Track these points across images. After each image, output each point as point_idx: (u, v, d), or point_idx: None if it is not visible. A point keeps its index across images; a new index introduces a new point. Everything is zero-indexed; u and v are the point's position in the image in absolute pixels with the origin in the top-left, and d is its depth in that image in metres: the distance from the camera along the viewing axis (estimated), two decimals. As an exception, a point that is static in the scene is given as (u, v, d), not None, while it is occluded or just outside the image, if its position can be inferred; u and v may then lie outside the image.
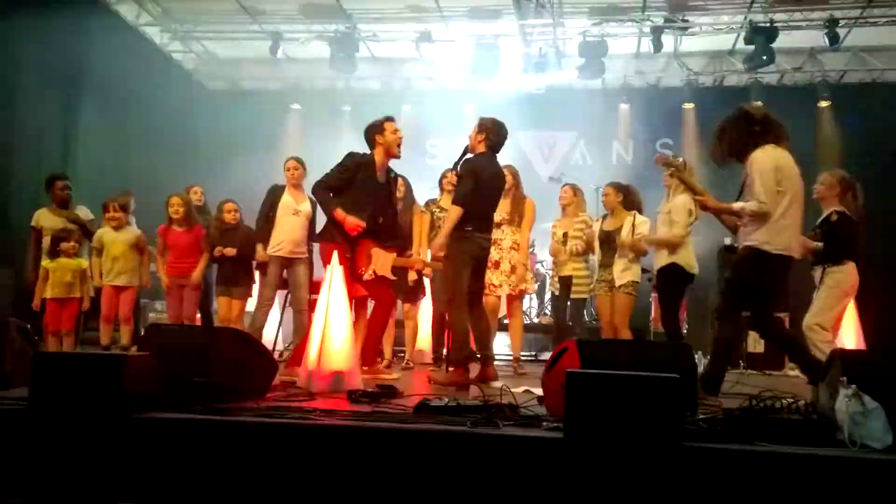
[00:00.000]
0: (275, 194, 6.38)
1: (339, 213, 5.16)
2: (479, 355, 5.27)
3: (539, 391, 4.19)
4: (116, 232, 6.46)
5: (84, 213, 6.91)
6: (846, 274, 5.33)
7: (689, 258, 5.72)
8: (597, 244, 6.53)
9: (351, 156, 5.37)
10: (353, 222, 5.14)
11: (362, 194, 5.28)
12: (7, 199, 7.75)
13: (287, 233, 6.24)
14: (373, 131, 5.43)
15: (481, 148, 5.29)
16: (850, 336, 6.14)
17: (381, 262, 5.27)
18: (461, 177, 5.30)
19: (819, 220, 5.45)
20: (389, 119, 5.45)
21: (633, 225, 6.22)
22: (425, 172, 6.97)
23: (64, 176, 6.92)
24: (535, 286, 8.31)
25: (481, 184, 5.17)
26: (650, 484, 2.66)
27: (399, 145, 5.40)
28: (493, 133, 5.29)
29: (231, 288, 6.60)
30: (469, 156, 5.32)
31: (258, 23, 9.23)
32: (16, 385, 3.67)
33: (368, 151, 5.45)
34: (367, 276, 5.21)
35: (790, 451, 2.72)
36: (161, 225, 6.68)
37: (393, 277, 5.41)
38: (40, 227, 6.59)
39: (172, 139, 9.20)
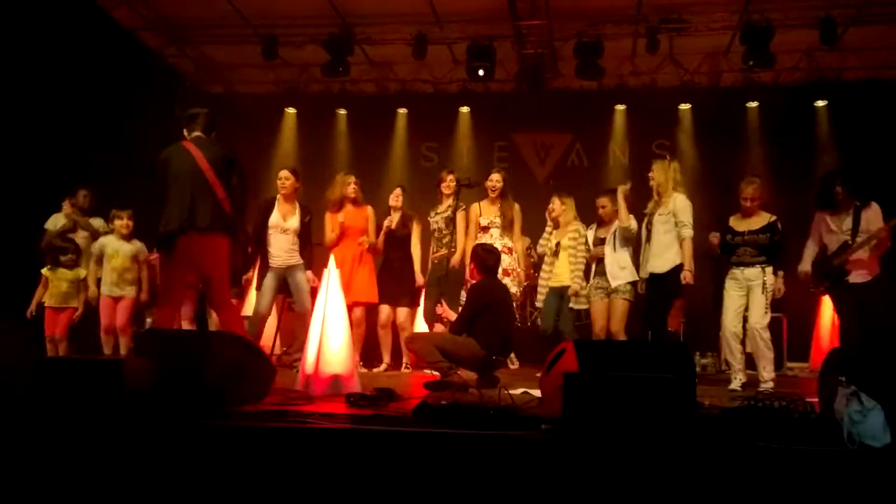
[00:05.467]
0: (264, 213, 6.40)
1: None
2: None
3: (537, 392, 4.19)
4: (121, 242, 6.49)
5: (100, 224, 6.98)
6: (779, 277, 5.76)
7: (690, 258, 5.78)
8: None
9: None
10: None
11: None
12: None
13: (279, 248, 6.36)
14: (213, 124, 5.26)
15: (479, 276, 5.69)
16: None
17: None
18: (468, 300, 5.66)
19: (764, 225, 5.73)
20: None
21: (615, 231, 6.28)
22: (420, 175, 6.97)
23: (88, 185, 7.07)
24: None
25: (493, 308, 5.51)
26: (649, 484, 2.65)
27: None
28: (487, 261, 5.72)
29: None
30: None
31: (253, 26, 9.22)
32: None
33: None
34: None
35: (789, 450, 2.71)
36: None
37: None
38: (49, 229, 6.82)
39: (166, 143, 9.17)
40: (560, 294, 6.61)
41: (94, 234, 6.86)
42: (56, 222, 6.89)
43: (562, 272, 6.60)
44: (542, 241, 6.82)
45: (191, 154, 4.94)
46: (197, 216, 4.80)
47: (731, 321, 5.69)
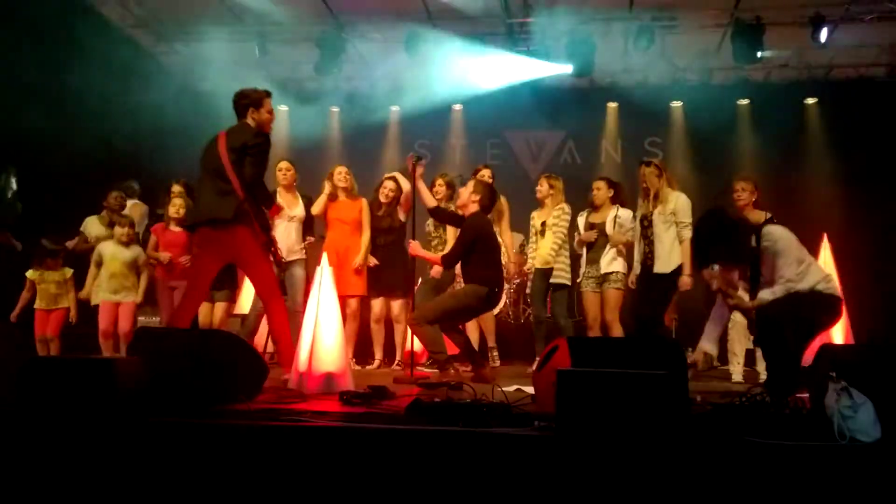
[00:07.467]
0: None
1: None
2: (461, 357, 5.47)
3: (530, 389, 4.20)
4: (119, 248, 6.42)
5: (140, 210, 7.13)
6: None
7: (689, 261, 5.82)
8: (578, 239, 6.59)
9: (261, 136, 4.83)
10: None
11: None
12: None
13: (281, 239, 5.97)
14: (247, 103, 4.88)
15: (473, 207, 5.61)
16: (838, 331, 6.18)
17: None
18: (462, 234, 5.59)
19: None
20: (269, 95, 4.95)
21: (616, 217, 6.28)
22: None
23: (117, 186, 7.19)
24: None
25: (485, 241, 5.56)
26: (642, 481, 2.66)
27: (271, 125, 4.97)
28: (486, 197, 5.66)
29: (213, 292, 6.44)
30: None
31: (245, 23, 9.19)
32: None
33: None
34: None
35: (780, 446, 2.73)
36: (157, 224, 6.63)
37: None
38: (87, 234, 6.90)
39: (159, 141, 9.12)
40: (546, 275, 6.60)
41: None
42: (91, 225, 6.91)
43: (546, 252, 6.59)
44: (531, 224, 6.84)
45: (216, 143, 4.77)
46: (214, 209, 4.64)
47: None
